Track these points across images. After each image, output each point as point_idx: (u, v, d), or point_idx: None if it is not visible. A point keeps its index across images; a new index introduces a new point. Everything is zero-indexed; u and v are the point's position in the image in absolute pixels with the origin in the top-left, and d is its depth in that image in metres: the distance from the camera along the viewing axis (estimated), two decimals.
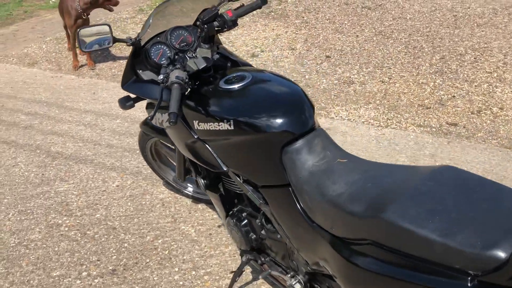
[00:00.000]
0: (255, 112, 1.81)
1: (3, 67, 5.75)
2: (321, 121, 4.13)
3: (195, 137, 2.05)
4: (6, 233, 2.87)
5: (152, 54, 2.25)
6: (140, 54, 2.28)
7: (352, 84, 4.84)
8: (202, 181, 2.30)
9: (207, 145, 2.00)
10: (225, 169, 1.95)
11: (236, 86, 1.97)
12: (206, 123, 1.94)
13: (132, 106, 2.29)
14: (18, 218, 3.00)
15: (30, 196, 3.21)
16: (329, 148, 1.76)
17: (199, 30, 2.23)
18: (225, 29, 2.22)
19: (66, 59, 5.85)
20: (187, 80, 1.94)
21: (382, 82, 4.82)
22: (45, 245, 2.77)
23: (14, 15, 8.05)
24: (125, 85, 2.32)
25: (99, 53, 5.91)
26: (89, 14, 5.14)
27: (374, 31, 6.21)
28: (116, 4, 5.29)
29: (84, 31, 2.08)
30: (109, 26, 2.13)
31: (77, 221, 2.97)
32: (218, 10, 2.24)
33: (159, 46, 2.28)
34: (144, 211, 3.03)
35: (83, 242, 2.78)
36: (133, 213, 3.02)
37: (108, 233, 2.84)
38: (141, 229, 2.86)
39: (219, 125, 1.89)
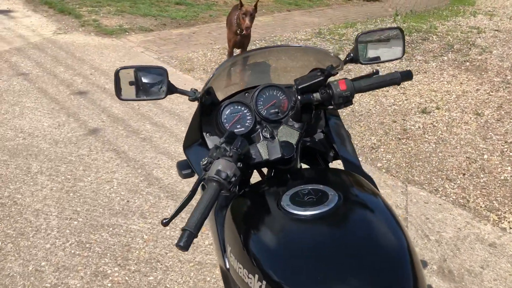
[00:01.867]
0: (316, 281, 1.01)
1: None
2: (484, 229, 2.96)
3: (225, 266, 1.32)
4: (50, 266, 2.51)
5: (224, 117, 1.57)
6: (210, 112, 1.62)
7: None
8: None
9: None
10: None
11: (306, 212, 1.18)
12: (236, 261, 1.19)
13: (190, 175, 1.66)
14: (73, 252, 2.62)
15: (100, 226, 2.83)
16: None
17: (293, 99, 1.48)
18: (330, 107, 1.43)
19: None
20: (234, 178, 1.21)
21: None
22: None
23: (199, 17, 8.24)
24: (186, 148, 1.69)
25: None
26: (247, 32, 4.70)
27: None
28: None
29: (125, 72, 1.50)
30: (165, 70, 1.51)
31: (126, 278, 2.46)
32: (333, 73, 1.45)
33: (238, 108, 1.59)
34: None
35: None
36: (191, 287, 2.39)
37: None
38: None
39: (248, 278, 1.12)
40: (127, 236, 2.76)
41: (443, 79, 5.64)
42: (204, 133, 1.65)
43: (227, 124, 1.63)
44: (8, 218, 2.83)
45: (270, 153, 1.39)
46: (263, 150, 1.42)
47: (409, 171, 3.71)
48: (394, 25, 8.28)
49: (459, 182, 3.58)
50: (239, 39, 4.86)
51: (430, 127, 4.46)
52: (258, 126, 1.64)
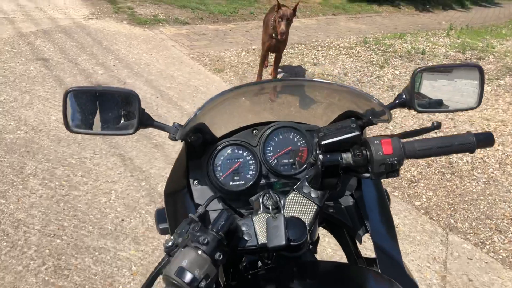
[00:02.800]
0: None
1: (192, 64, 5.35)
2: None
3: None
4: None
5: (219, 164, 1.14)
6: (201, 153, 1.19)
7: None
8: None
9: None
10: None
11: None
12: None
13: (167, 232, 1.24)
14: (46, 279, 2.24)
15: (85, 249, 2.45)
16: None
17: (313, 154, 1.03)
18: (366, 176, 0.97)
19: (251, 77, 5.14)
20: (204, 283, 0.79)
21: None
22: None
23: (239, 14, 7.82)
24: (167, 195, 1.27)
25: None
26: (282, 38, 4.23)
27: None
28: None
29: (79, 94, 1.08)
30: (137, 96, 1.08)
31: None
32: (374, 123, 1.01)
33: (239, 152, 1.16)
34: None
35: None
36: None
37: None
38: None
39: None
40: (113, 265, 2.36)
41: (498, 107, 5.03)
42: (191, 180, 1.23)
43: (221, 174, 1.19)
44: None
45: (270, 236, 0.95)
46: (260, 229, 0.97)
47: (452, 215, 3.18)
48: (448, 40, 7.64)
49: (511, 235, 3.03)
50: (274, 43, 4.41)
51: (479, 162, 3.90)
52: (262, 181, 1.20)
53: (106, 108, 1.10)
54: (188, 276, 0.79)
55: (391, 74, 5.64)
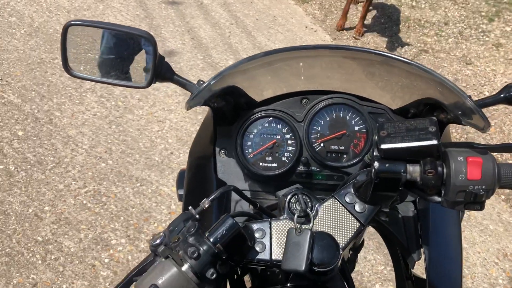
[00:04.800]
0: None
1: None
2: None
3: None
4: (52, 215, 2.11)
5: (250, 138, 0.89)
6: (232, 119, 0.95)
7: None
8: None
9: None
10: None
11: None
12: None
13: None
14: (84, 203, 2.19)
15: (128, 177, 2.36)
16: None
17: (368, 156, 0.74)
18: (437, 201, 0.68)
19: (337, 13, 4.67)
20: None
21: None
22: None
23: None
24: (192, 158, 1.07)
25: (375, 23, 4.52)
26: None
27: None
28: None
29: (81, 31, 0.85)
30: (153, 41, 0.83)
31: (129, 257, 2.00)
32: (463, 124, 0.70)
33: (277, 127, 0.91)
34: None
35: None
36: None
37: None
38: None
39: None
40: (153, 199, 2.27)
41: None
42: (217, 149, 1.00)
43: (250, 151, 0.95)
44: (35, 138, 2.47)
45: (288, 255, 0.71)
46: (277, 240, 0.74)
47: None
48: None
49: None
50: None
51: None
52: (301, 168, 0.95)
53: (116, 52, 0.88)
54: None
55: (500, 30, 4.88)
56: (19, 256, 1.92)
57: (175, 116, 2.84)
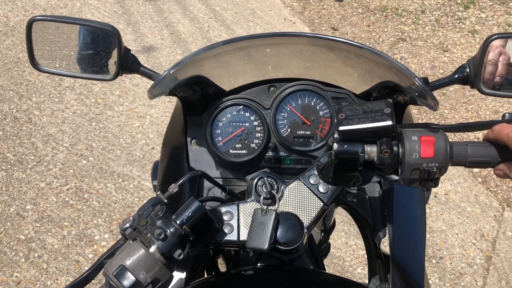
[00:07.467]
0: None
1: None
2: None
3: None
4: (35, 213, 2.12)
5: (219, 126, 0.92)
6: (202, 109, 0.98)
7: None
8: None
9: None
10: None
11: None
12: None
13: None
14: (67, 200, 2.20)
15: (109, 173, 2.37)
16: None
17: (330, 139, 0.78)
18: (394, 179, 0.71)
19: (315, 4, 4.69)
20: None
21: None
22: None
23: None
24: (164, 147, 1.09)
25: (353, 13, 4.56)
26: None
27: None
28: None
29: (46, 26, 0.87)
30: (117, 32, 0.86)
31: None
32: (418, 104, 0.73)
33: (245, 115, 0.94)
34: None
35: None
36: None
37: None
38: None
39: None
40: (135, 194, 2.29)
41: None
42: (188, 139, 1.03)
43: (220, 139, 0.98)
44: (14, 138, 2.47)
45: (252, 234, 0.74)
46: (245, 221, 0.77)
47: None
48: None
49: None
50: None
51: None
52: (269, 153, 0.98)
53: (83, 46, 0.90)
54: (129, 280, 0.64)
55: (476, 17, 4.97)
56: (2, 255, 1.93)
57: (156, 111, 2.85)
